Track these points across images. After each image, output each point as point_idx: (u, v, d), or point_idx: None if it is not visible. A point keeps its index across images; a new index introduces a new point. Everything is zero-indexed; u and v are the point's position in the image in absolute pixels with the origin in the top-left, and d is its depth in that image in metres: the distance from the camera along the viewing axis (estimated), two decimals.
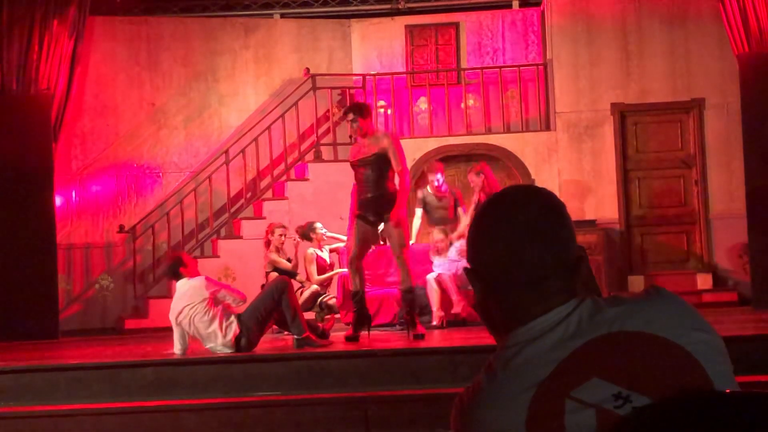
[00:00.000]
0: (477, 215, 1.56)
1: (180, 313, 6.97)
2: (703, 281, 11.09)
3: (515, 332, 1.46)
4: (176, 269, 7.13)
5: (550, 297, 1.46)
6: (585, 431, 1.33)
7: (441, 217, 9.83)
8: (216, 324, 6.93)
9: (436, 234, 9.29)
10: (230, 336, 6.93)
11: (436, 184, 9.70)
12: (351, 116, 7.56)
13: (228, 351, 6.96)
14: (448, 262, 9.09)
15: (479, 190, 9.37)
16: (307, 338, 7.08)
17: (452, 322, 8.81)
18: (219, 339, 6.95)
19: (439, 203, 9.81)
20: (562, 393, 1.35)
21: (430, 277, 8.96)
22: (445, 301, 8.88)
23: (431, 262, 9.26)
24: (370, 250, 8.23)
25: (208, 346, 7.05)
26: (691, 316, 1.45)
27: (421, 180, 10.98)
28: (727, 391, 1.37)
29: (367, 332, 7.89)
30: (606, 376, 1.36)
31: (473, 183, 9.53)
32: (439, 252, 9.23)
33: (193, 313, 6.92)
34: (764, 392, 1.23)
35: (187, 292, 6.98)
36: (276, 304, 7.08)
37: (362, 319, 7.72)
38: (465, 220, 9.65)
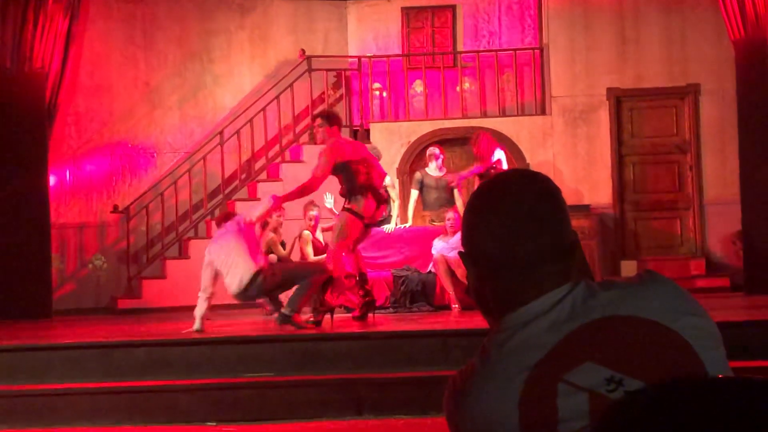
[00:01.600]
0: (472, 199, 1.55)
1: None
2: (696, 267, 11.12)
3: (509, 316, 1.46)
4: (229, 220, 7.61)
5: (544, 281, 1.46)
6: (577, 415, 1.33)
7: (437, 199, 9.81)
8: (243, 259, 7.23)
9: (449, 214, 9.25)
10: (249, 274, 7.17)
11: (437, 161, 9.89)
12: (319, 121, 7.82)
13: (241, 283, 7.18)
14: (448, 246, 8.96)
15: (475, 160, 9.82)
16: (292, 319, 7.13)
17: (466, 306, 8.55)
18: (240, 269, 7.20)
19: (437, 184, 9.79)
20: (555, 376, 1.36)
21: (438, 256, 8.89)
22: (455, 281, 8.76)
23: (431, 246, 9.20)
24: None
25: (226, 281, 7.31)
26: (684, 300, 1.45)
27: (418, 161, 10.98)
28: (720, 376, 1.38)
29: (372, 313, 7.99)
30: (599, 360, 1.36)
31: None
32: (450, 232, 9.12)
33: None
34: (757, 378, 1.23)
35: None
36: (302, 279, 7.25)
37: (369, 302, 7.89)
38: (460, 202, 9.66)
